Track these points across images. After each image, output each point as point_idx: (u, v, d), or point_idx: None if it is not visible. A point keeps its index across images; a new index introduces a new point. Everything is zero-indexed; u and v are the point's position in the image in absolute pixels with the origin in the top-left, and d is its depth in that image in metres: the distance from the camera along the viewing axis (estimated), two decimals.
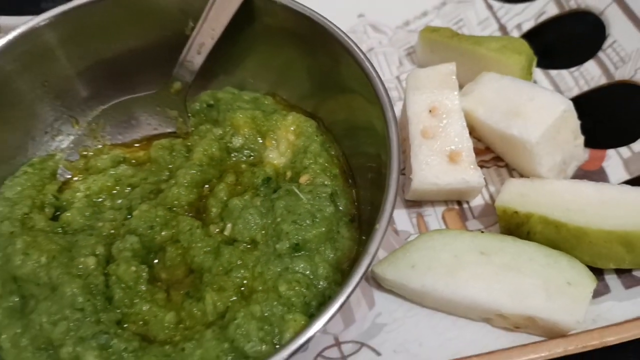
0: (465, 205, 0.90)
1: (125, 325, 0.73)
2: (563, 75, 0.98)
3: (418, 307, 0.82)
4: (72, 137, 0.92)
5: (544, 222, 0.80)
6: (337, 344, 0.80)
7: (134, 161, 0.89)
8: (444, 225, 0.89)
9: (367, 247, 0.64)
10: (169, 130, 0.92)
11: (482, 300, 0.76)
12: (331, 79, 0.85)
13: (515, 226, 0.83)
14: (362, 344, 0.80)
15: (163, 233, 0.79)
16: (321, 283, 0.74)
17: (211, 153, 0.84)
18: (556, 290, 0.76)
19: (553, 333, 0.76)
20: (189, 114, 0.91)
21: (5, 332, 0.71)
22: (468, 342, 0.78)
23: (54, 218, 0.83)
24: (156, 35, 0.90)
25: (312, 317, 0.72)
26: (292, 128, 0.86)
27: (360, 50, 0.77)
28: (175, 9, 0.88)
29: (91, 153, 0.90)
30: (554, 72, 0.99)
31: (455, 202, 0.90)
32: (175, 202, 0.81)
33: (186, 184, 0.82)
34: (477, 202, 0.90)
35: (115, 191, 0.85)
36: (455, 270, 0.78)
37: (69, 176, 0.88)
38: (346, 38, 0.78)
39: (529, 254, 0.79)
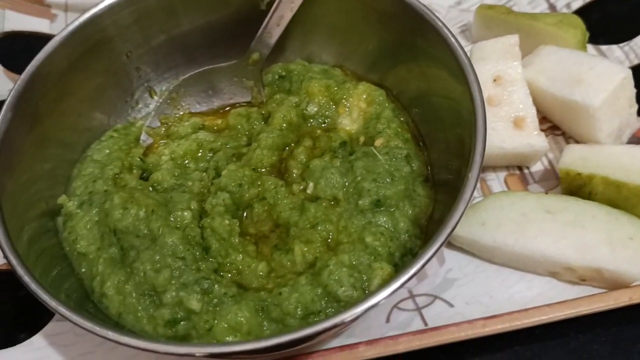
0: (526, 171, 0.95)
1: (221, 274, 0.78)
2: (613, 50, 1.03)
3: (487, 263, 0.87)
4: (151, 106, 0.97)
5: (606, 182, 0.85)
6: (412, 296, 0.85)
7: (215, 128, 0.94)
8: (507, 189, 0.94)
9: (462, 193, 0.69)
10: (244, 100, 0.97)
11: (551, 253, 0.81)
12: (403, 50, 0.89)
13: (577, 187, 0.88)
14: (435, 297, 0.85)
15: (251, 191, 0.83)
16: (402, 236, 0.79)
17: (290, 118, 0.89)
18: (619, 244, 0.81)
19: (617, 285, 0.81)
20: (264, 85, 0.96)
21: (109, 280, 0.76)
22: (536, 294, 0.83)
23: (142, 179, 0.88)
24: (233, 9, 0.95)
25: (396, 266, 0.77)
26: (363, 96, 0.91)
27: (440, 20, 0.82)
28: None
29: (171, 120, 0.95)
30: (604, 47, 1.04)
31: (516, 167, 0.95)
32: (259, 163, 0.86)
33: (268, 147, 0.87)
34: (537, 167, 0.95)
35: (199, 155, 0.90)
36: (523, 227, 0.83)
37: (151, 142, 0.93)
38: (425, 9, 0.83)
39: (591, 212, 0.84)
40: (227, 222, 0.80)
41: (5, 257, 0.70)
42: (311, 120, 0.92)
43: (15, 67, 1.05)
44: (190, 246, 0.77)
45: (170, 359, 0.81)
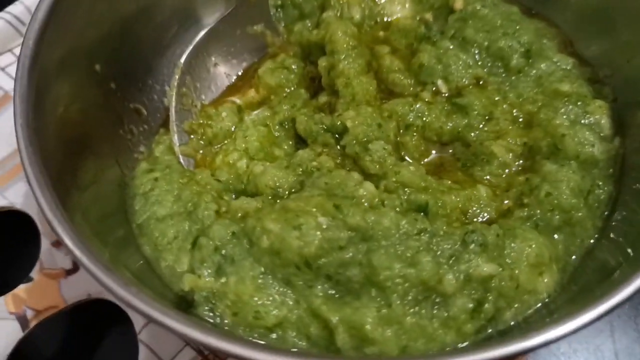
0: None
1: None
2: None
3: None
4: (145, 127, 0.68)
5: None
6: None
7: (256, 101, 0.69)
8: None
9: None
10: (260, 54, 0.72)
11: None
12: None
13: None
14: None
15: (390, 125, 0.62)
16: (570, 67, 0.66)
17: (351, 32, 0.67)
18: None
19: None
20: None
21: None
22: None
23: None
24: None
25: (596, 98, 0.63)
26: None
27: None
28: None
29: (201, 124, 0.67)
30: None
31: None
32: (366, 95, 0.64)
33: (359, 73, 0.64)
34: None
35: (277, 134, 0.64)
36: None
37: (197, 158, 0.65)
38: None
39: None
40: (412, 168, 0.59)
41: None
42: (364, 26, 0.71)
43: None
44: (402, 216, 0.54)
45: None
